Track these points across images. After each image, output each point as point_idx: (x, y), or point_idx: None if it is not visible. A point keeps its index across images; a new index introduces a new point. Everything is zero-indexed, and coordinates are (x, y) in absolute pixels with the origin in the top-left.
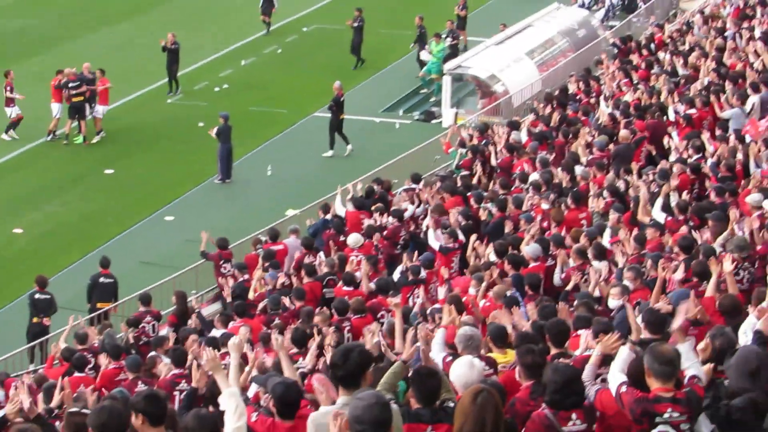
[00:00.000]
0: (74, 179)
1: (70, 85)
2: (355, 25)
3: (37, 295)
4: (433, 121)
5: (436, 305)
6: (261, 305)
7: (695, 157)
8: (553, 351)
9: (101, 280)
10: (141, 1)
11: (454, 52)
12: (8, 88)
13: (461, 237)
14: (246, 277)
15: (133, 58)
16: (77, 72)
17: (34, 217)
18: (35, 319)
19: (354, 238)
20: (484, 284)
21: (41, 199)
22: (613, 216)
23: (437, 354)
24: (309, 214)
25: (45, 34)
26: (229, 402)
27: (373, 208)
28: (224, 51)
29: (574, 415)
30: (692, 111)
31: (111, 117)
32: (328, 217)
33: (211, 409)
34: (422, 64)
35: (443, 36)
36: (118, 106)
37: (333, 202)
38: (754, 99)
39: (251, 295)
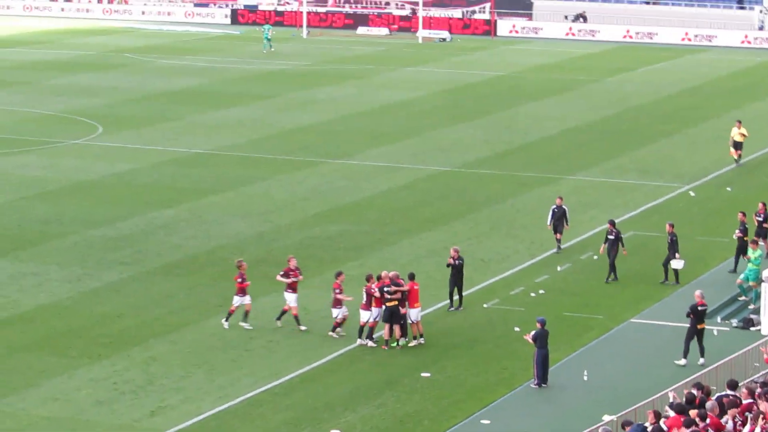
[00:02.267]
0: (390, 382)
1: (386, 289)
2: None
3: None
4: (752, 329)
5: None
6: None
7: None
8: None
9: None
10: (455, 210)
11: None
12: (337, 290)
13: None
14: None
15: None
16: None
17: (350, 419)
18: None
19: None
20: None
21: (357, 401)
22: None
23: None
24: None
25: (360, 239)
26: None
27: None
28: (539, 257)
29: None
30: None
31: (428, 321)
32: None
33: None
34: (667, 270)
35: (759, 242)
36: (433, 311)
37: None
38: None
39: None
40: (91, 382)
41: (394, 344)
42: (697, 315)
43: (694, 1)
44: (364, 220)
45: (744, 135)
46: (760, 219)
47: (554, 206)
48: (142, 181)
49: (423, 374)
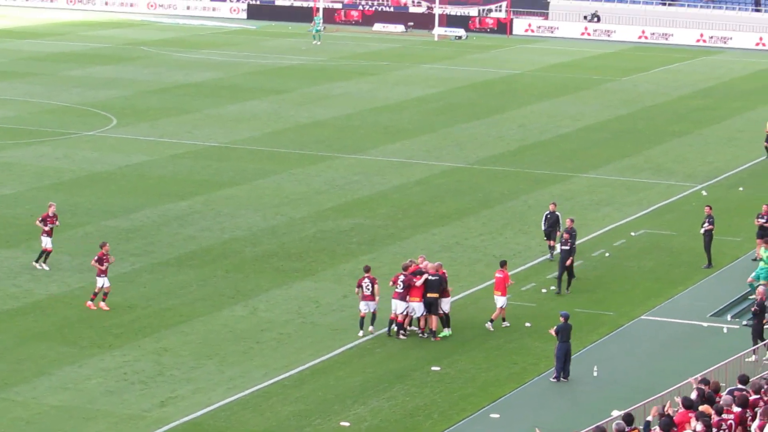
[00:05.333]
0: (400, 375)
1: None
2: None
3: None
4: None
5: None
6: None
7: None
8: None
9: None
10: (468, 206)
11: None
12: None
13: None
14: None
15: (461, 257)
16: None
17: (359, 411)
18: None
19: None
20: None
21: (368, 394)
22: None
23: None
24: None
25: (373, 233)
26: None
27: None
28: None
29: None
30: None
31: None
32: (649, 418)
33: None
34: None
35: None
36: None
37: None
38: None
39: None
40: (101, 372)
41: (441, 334)
42: (762, 309)
43: (709, 3)
44: (378, 215)
45: None
46: (762, 220)
47: (547, 212)
48: (156, 173)
49: (433, 368)
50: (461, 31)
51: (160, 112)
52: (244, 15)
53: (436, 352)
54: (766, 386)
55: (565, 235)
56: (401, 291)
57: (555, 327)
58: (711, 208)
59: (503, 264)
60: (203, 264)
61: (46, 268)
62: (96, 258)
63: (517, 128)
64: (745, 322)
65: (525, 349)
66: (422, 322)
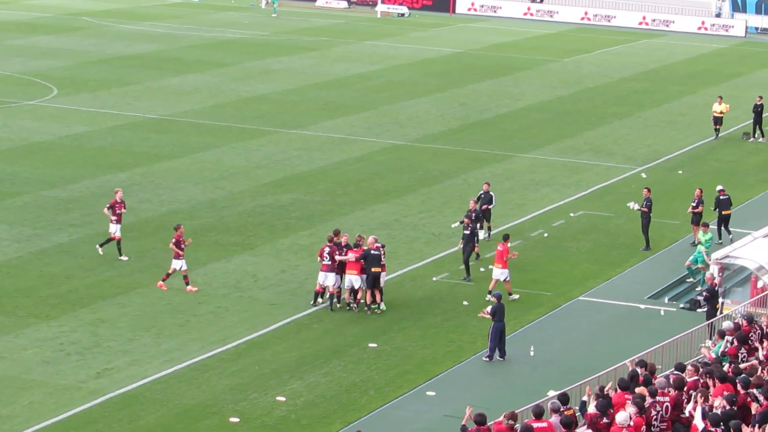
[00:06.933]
0: (337, 351)
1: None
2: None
3: None
4: (699, 310)
5: None
6: None
7: None
8: None
9: None
10: (407, 184)
11: None
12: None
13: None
14: None
15: (400, 235)
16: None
17: (296, 386)
18: None
19: (622, 416)
20: None
21: (304, 370)
22: None
23: None
24: (572, 394)
25: (312, 208)
26: None
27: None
28: (507, 225)
29: None
30: None
31: None
32: (585, 398)
33: None
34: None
35: (710, 225)
36: (396, 277)
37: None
38: None
39: None
40: (37, 342)
41: (376, 308)
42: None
43: None
44: (317, 191)
45: (722, 112)
46: (694, 204)
47: (481, 192)
48: (96, 144)
49: (370, 345)
50: (404, 9)
51: (101, 83)
52: None
53: (374, 329)
54: (702, 369)
55: (465, 220)
56: (329, 263)
57: (489, 308)
58: (650, 191)
59: (506, 238)
60: (142, 236)
61: (124, 258)
62: (173, 241)
63: (459, 107)
64: (682, 305)
65: (462, 328)
66: (360, 295)
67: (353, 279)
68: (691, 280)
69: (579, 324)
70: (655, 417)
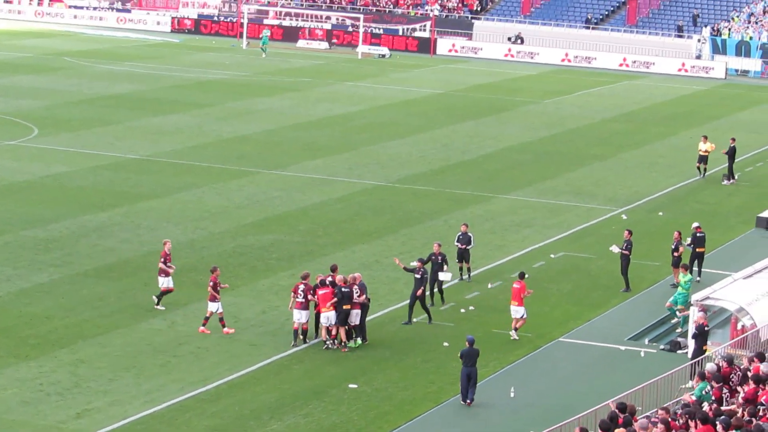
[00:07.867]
0: (317, 392)
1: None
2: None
3: None
4: (679, 352)
5: None
6: None
7: None
8: None
9: None
10: (388, 224)
11: None
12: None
13: None
14: None
15: (380, 275)
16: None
17: (275, 427)
18: None
19: None
20: None
21: (284, 411)
22: None
23: None
24: None
25: (293, 249)
26: None
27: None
28: (487, 266)
29: None
30: None
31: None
32: None
33: None
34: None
35: (689, 268)
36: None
37: None
38: None
39: None
40: (17, 382)
41: (348, 344)
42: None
43: (633, 28)
44: (297, 231)
45: (707, 151)
46: (672, 247)
47: (459, 233)
48: (77, 184)
49: (350, 385)
50: (385, 50)
51: (81, 123)
52: (168, 28)
53: (354, 369)
54: (680, 411)
55: (417, 263)
56: (302, 300)
57: (460, 351)
58: (631, 233)
59: (522, 276)
60: (122, 276)
61: (161, 308)
62: (211, 284)
63: (440, 148)
64: (662, 347)
65: (442, 369)
66: (333, 332)
67: (329, 315)
68: (674, 321)
69: (559, 365)
70: None
